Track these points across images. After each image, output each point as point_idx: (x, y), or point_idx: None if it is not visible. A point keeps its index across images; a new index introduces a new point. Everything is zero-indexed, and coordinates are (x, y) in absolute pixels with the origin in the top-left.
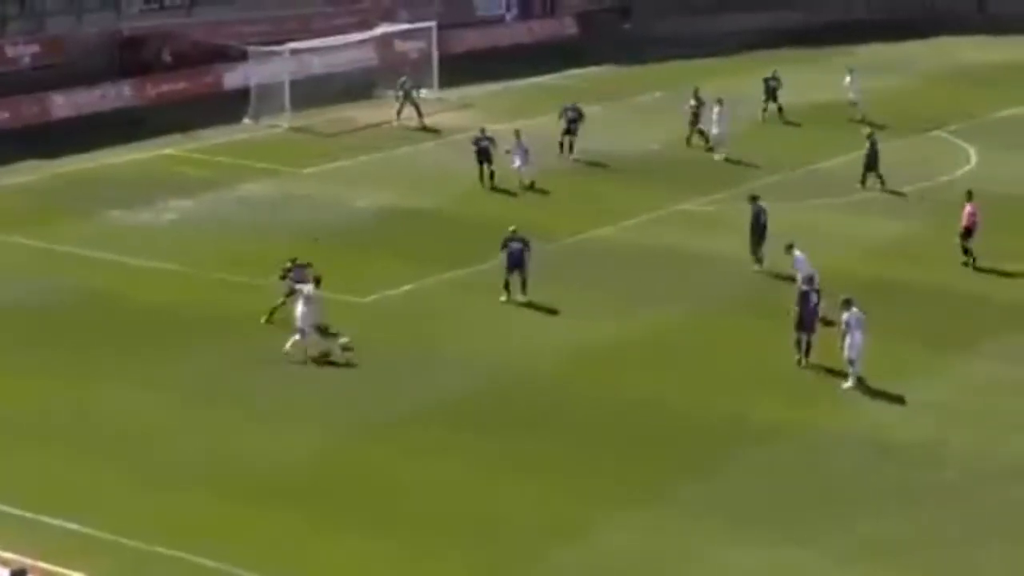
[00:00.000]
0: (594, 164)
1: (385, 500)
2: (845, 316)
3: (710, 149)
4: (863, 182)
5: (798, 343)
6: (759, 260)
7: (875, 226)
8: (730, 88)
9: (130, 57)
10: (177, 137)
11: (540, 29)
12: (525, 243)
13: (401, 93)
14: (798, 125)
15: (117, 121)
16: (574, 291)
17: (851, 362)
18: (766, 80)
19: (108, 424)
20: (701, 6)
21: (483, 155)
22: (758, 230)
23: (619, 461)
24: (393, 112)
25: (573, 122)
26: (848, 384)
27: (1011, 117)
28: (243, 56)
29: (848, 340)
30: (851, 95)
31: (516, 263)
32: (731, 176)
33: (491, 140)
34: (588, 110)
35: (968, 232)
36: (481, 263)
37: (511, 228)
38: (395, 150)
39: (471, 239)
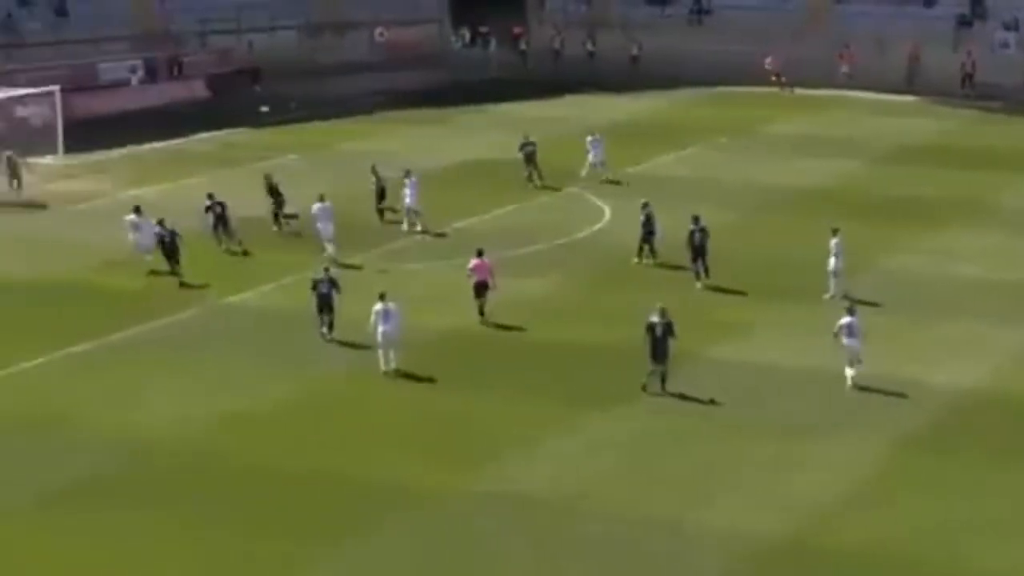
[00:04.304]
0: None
1: None
2: (843, 320)
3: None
4: (639, 255)
5: (651, 374)
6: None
7: (519, 286)
8: (370, 150)
9: None
10: None
11: (169, 92)
12: (334, 283)
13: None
14: (441, 186)
15: None
16: (218, 358)
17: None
18: (522, 147)
19: None
20: (331, 68)
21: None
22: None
23: (257, 533)
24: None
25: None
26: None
27: (642, 172)
28: None
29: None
30: (591, 157)
31: (325, 302)
32: (375, 237)
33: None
34: (222, 173)
35: (481, 287)
36: (114, 333)
37: (324, 267)
38: (17, 218)
39: (102, 310)
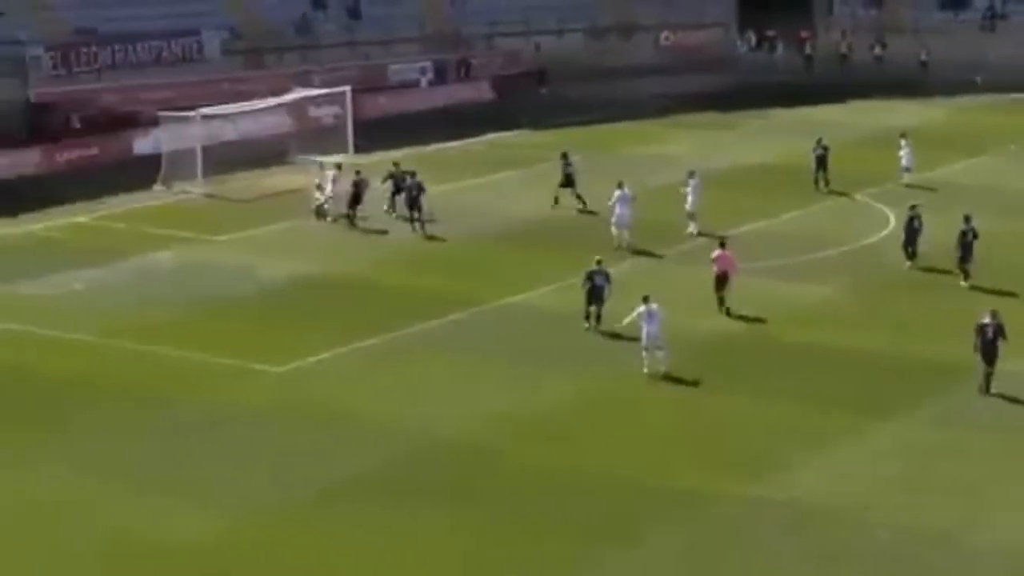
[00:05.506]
0: (516, 229)
1: None
2: None
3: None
4: (909, 258)
5: (987, 376)
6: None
7: (799, 291)
8: (654, 152)
9: (39, 123)
10: (87, 204)
11: (456, 94)
12: (607, 276)
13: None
14: (726, 189)
15: (25, 188)
16: (494, 357)
17: None
18: (814, 149)
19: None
20: (616, 71)
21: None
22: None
23: (529, 533)
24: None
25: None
26: None
27: (931, 179)
28: (154, 122)
29: None
30: (903, 162)
31: (598, 295)
32: (666, 238)
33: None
34: (506, 175)
35: (722, 279)
36: (397, 330)
37: (596, 259)
38: (309, 217)
39: (386, 307)
